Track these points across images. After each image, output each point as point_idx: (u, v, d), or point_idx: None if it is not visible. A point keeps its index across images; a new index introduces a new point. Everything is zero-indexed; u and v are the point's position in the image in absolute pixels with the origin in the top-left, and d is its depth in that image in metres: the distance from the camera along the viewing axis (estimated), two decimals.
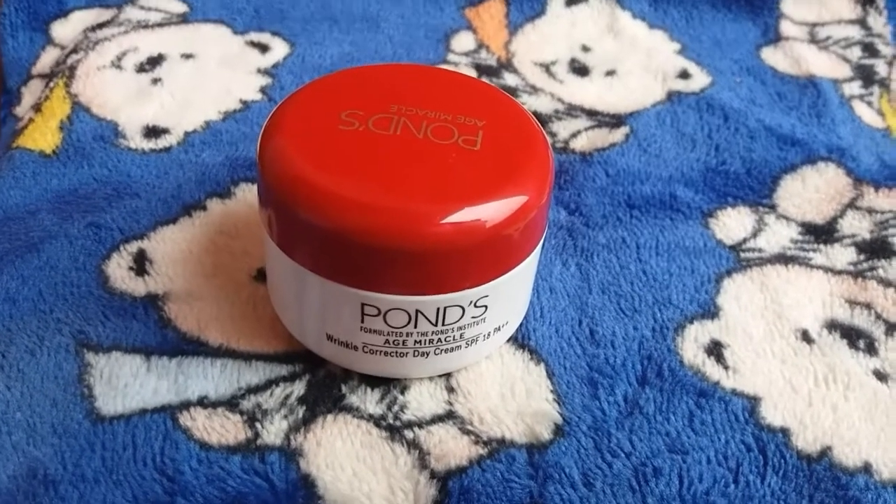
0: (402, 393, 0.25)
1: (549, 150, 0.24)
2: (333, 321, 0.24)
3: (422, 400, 0.25)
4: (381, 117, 0.24)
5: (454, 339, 0.24)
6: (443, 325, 0.23)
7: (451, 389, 0.25)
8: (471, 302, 0.23)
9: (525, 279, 0.25)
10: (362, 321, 0.23)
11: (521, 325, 0.27)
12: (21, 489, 0.22)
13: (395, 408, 0.25)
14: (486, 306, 0.23)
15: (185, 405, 0.24)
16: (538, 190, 0.23)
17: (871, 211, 0.33)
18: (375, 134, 0.23)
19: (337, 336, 0.24)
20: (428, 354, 0.24)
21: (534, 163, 0.23)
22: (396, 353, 0.24)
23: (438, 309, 0.23)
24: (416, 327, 0.23)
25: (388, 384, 0.25)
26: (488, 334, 0.25)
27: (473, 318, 0.23)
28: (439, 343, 0.24)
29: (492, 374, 0.26)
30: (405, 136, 0.23)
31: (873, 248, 0.31)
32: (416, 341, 0.23)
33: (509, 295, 0.24)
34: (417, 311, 0.23)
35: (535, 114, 0.37)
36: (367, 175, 0.22)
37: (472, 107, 0.25)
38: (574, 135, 0.36)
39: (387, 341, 0.23)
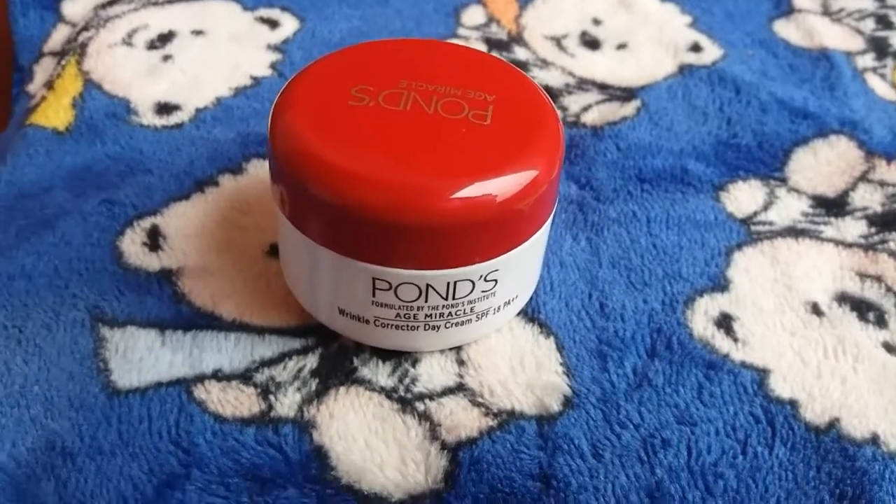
0: (414, 366, 0.25)
1: (560, 124, 0.24)
2: (345, 295, 0.24)
3: (433, 373, 0.25)
4: (390, 93, 0.24)
5: (464, 313, 0.24)
6: (453, 298, 0.23)
7: (461, 362, 0.26)
8: (481, 276, 0.23)
9: (535, 254, 0.25)
10: (374, 295, 0.23)
11: (531, 298, 0.27)
12: (40, 461, 0.23)
13: (407, 380, 0.25)
14: (496, 280, 0.24)
15: (200, 378, 0.25)
16: (548, 164, 0.23)
17: (882, 184, 0.33)
18: (385, 109, 0.23)
19: (349, 310, 0.24)
20: (439, 328, 0.24)
21: (544, 137, 0.23)
22: (407, 326, 0.24)
23: (449, 283, 0.23)
24: (426, 301, 0.23)
25: (399, 357, 0.26)
26: (498, 308, 0.25)
27: (483, 292, 0.24)
28: (450, 317, 0.24)
29: (502, 348, 0.26)
30: (415, 112, 0.23)
31: (885, 221, 0.31)
32: (426, 315, 0.24)
33: (519, 269, 0.24)
34: (428, 285, 0.23)
35: (546, 88, 0.37)
36: (377, 150, 0.22)
37: (482, 81, 0.25)
38: (585, 109, 0.36)
39: (398, 315, 0.24)
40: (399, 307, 0.23)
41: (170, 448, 0.23)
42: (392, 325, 0.24)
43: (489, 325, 0.25)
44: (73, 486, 0.22)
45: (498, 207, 0.22)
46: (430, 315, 0.24)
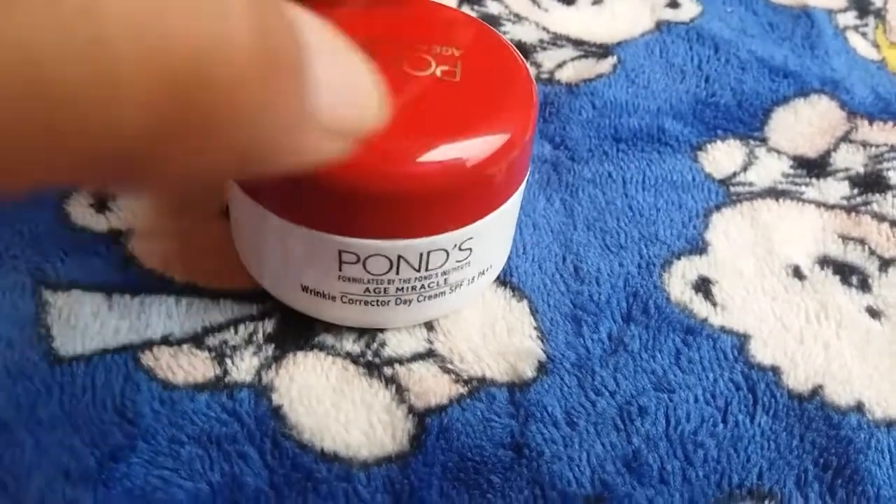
0: (381, 330, 0.24)
1: (533, 83, 0.23)
2: (309, 271, 0.22)
3: (401, 338, 0.24)
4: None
5: (438, 286, 0.23)
6: (426, 270, 0.22)
7: (430, 328, 0.24)
8: (455, 245, 0.22)
9: (510, 219, 0.24)
10: (340, 269, 0.21)
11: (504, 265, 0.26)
12: None
13: (374, 345, 0.24)
14: (470, 249, 0.22)
15: (148, 345, 0.23)
16: (522, 125, 0.21)
17: (865, 144, 0.32)
18: None
19: (313, 287, 0.22)
20: (410, 302, 0.23)
21: (516, 96, 0.22)
22: (377, 301, 0.22)
23: (422, 254, 0.21)
24: (398, 273, 0.22)
25: None
26: (473, 278, 0.23)
27: (458, 261, 0.22)
28: (423, 290, 0.22)
29: (473, 312, 0.25)
30: (378, 69, 0.22)
31: (867, 182, 0.30)
32: (398, 288, 0.22)
33: (494, 236, 0.23)
34: (399, 256, 0.21)
35: (519, 43, 0.35)
36: None
37: (449, 36, 0.23)
38: (560, 65, 0.34)
39: (367, 290, 0.22)
40: (368, 281, 0.22)
41: (114, 419, 0.21)
42: (360, 300, 0.22)
43: (463, 296, 0.24)
44: (9, 461, 0.21)
45: (469, 172, 0.20)
46: (402, 289, 0.22)
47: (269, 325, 0.24)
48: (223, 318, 0.24)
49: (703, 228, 0.28)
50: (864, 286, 0.27)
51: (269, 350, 0.23)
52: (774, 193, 0.29)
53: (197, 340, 0.23)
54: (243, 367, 0.23)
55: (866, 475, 0.22)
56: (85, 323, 0.23)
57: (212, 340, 0.23)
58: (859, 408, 0.23)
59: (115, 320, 0.24)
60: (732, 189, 0.30)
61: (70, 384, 0.22)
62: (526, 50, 0.35)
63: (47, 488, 0.20)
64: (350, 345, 0.24)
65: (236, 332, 0.24)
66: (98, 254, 0.25)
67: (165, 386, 0.22)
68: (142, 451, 0.21)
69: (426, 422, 0.22)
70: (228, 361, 0.23)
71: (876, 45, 0.37)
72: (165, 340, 0.23)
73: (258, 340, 0.23)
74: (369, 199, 0.20)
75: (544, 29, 0.36)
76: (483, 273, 0.24)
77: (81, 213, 0.26)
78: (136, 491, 0.20)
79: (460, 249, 0.22)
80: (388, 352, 0.24)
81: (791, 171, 0.31)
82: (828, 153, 0.31)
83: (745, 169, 0.30)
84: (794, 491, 0.22)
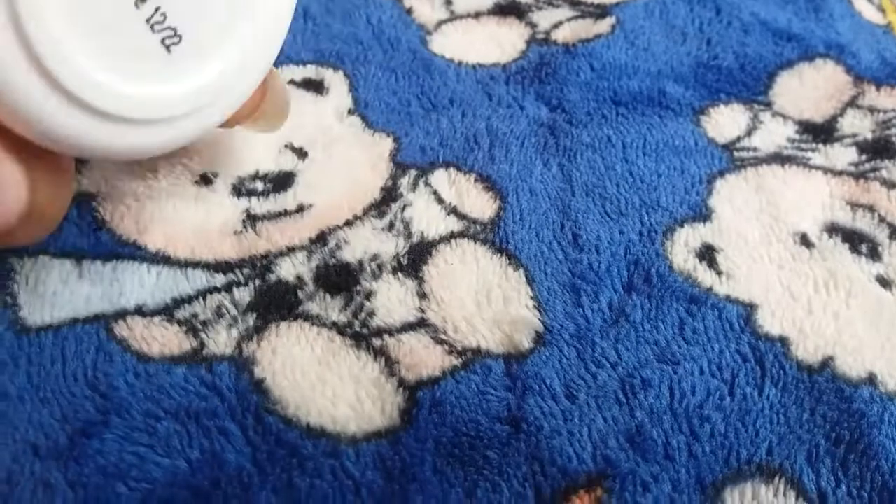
0: (368, 299, 0.23)
1: None
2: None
3: (391, 307, 0.23)
4: None
5: None
6: None
7: (423, 296, 0.23)
8: None
9: None
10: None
11: (499, 227, 0.25)
12: None
13: (362, 315, 0.22)
14: None
15: (121, 314, 0.22)
16: None
17: (872, 110, 0.31)
18: None
19: None
20: None
21: None
22: None
23: None
24: None
25: (350, 291, 0.23)
26: None
27: None
28: None
29: (467, 280, 0.24)
30: None
31: (875, 148, 0.29)
32: None
33: None
34: None
35: (513, 2, 0.34)
36: None
37: None
38: (556, 25, 0.33)
39: None
40: None
41: (86, 392, 0.20)
42: None
43: None
44: None
45: None
46: None
47: (246, 295, 0.23)
48: (197, 286, 0.23)
49: (707, 195, 0.27)
50: (874, 254, 0.25)
51: (251, 321, 0.22)
52: (780, 159, 0.28)
53: (171, 311, 0.22)
54: (221, 340, 0.22)
55: (880, 449, 0.21)
56: (54, 290, 0.22)
57: (184, 313, 0.22)
58: (871, 380, 0.22)
59: (86, 288, 0.22)
60: (737, 154, 0.28)
61: (38, 355, 0.21)
62: (521, 10, 0.33)
63: (15, 465, 0.19)
64: (336, 314, 0.22)
65: (215, 303, 0.22)
66: (67, 217, 0.24)
67: (140, 358, 0.21)
68: (116, 426, 0.20)
69: (418, 395, 0.21)
70: (203, 334, 0.22)
71: (881, 10, 0.36)
72: (139, 311, 0.22)
73: (237, 312, 0.22)
74: None
75: None
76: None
77: None
78: (110, 468, 0.19)
79: None
80: (376, 322, 0.22)
81: (797, 137, 0.29)
82: (834, 118, 0.30)
83: (749, 134, 0.29)
84: (805, 466, 0.21)
